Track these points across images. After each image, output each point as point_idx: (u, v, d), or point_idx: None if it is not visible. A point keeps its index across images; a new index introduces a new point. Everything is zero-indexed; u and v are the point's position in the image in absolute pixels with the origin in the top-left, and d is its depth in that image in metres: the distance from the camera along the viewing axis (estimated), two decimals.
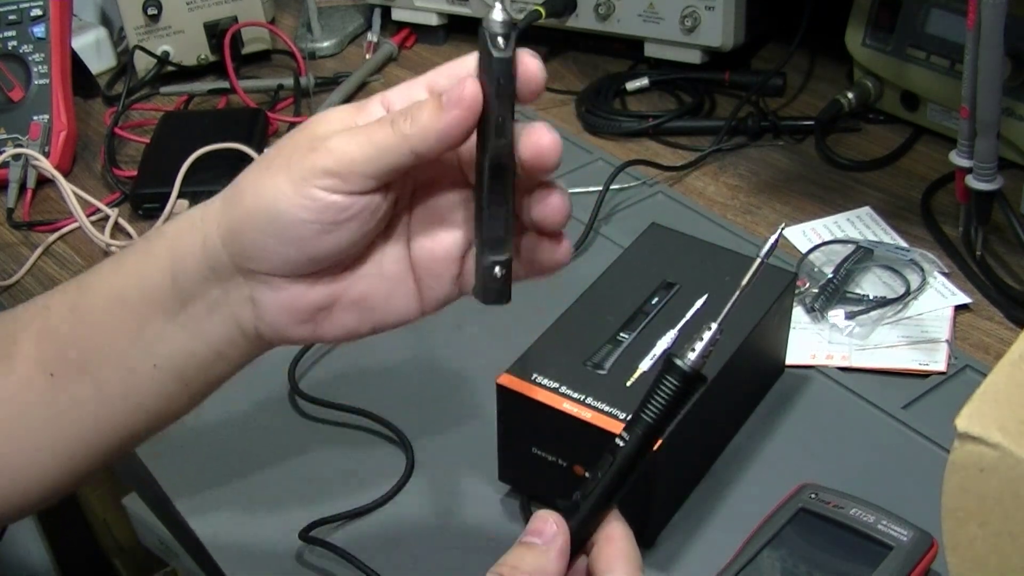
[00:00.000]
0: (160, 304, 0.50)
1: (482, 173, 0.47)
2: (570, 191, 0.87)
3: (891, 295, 0.74)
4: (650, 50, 1.03)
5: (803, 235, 0.82)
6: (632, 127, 0.96)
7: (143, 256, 0.51)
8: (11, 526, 1.14)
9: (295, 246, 0.47)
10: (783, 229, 0.45)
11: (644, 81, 1.02)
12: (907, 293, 0.74)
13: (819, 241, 0.80)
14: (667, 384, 0.45)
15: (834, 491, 0.58)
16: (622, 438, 0.46)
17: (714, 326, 0.44)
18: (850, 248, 0.78)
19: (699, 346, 0.44)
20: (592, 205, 0.84)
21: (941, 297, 0.75)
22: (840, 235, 0.81)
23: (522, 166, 0.46)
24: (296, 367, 0.71)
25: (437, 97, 0.45)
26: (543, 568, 0.46)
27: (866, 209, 0.85)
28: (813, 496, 0.57)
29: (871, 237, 0.81)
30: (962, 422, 0.38)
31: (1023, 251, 0.78)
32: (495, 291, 0.49)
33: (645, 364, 0.59)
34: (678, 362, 0.44)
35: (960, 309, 0.74)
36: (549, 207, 0.48)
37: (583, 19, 1.03)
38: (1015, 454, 0.36)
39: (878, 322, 0.72)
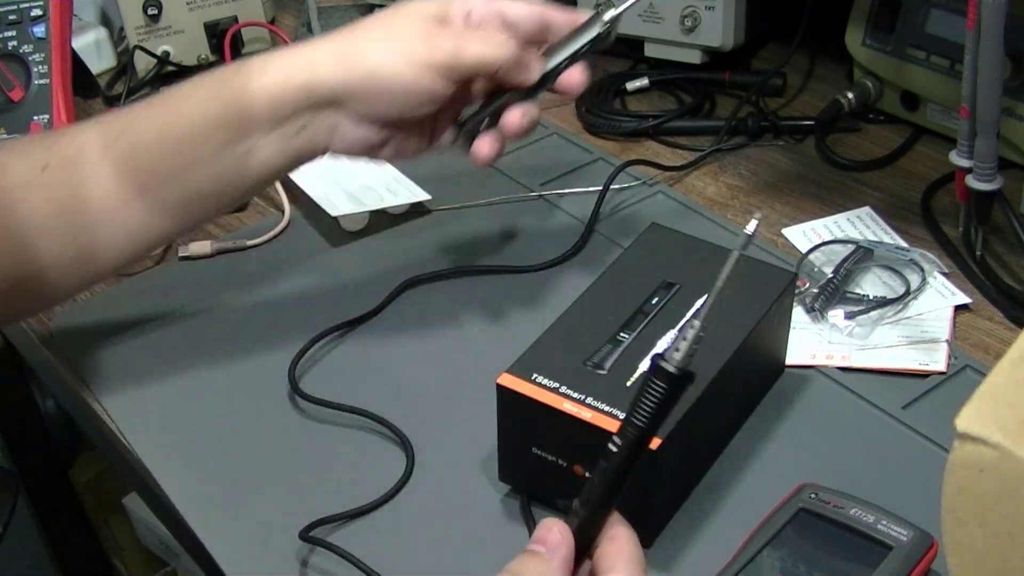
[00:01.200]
0: (258, 124, 0.62)
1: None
2: (570, 191, 0.87)
3: (891, 295, 0.74)
4: (650, 50, 1.03)
5: (803, 235, 0.82)
6: (632, 127, 0.96)
7: (241, 88, 0.62)
8: (11, 526, 1.14)
9: (397, 109, 0.63)
10: (759, 220, 0.45)
11: (644, 81, 1.02)
12: (907, 293, 0.74)
13: (819, 241, 0.80)
14: (655, 386, 0.45)
15: (834, 491, 0.58)
16: (615, 443, 0.46)
17: (697, 323, 0.44)
18: (850, 248, 0.78)
19: (683, 345, 0.44)
20: (592, 205, 0.84)
21: (941, 297, 0.75)
22: (840, 235, 0.81)
23: None
24: (296, 367, 0.71)
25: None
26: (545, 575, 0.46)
27: (866, 209, 0.85)
28: (813, 496, 0.57)
29: (871, 237, 0.81)
30: (962, 422, 0.38)
31: (1023, 251, 0.78)
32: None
33: (645, 364, 0.59)
34: (664, 364, 0.44)
35: (960, 309, 0.74)
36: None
37: None
38: (1015, 454, 0.36)
39: (878, 322, 0.72)
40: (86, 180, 0.62)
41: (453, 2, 0.65)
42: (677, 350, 0.44)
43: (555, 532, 0.46)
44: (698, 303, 0.63)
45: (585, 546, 0.46)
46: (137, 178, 0.63)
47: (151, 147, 0.63)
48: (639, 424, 0.45)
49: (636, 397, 0.45)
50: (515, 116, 0.65)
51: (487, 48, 0.62)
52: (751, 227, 0.45)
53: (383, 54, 0.62)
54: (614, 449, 0.46)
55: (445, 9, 0.65)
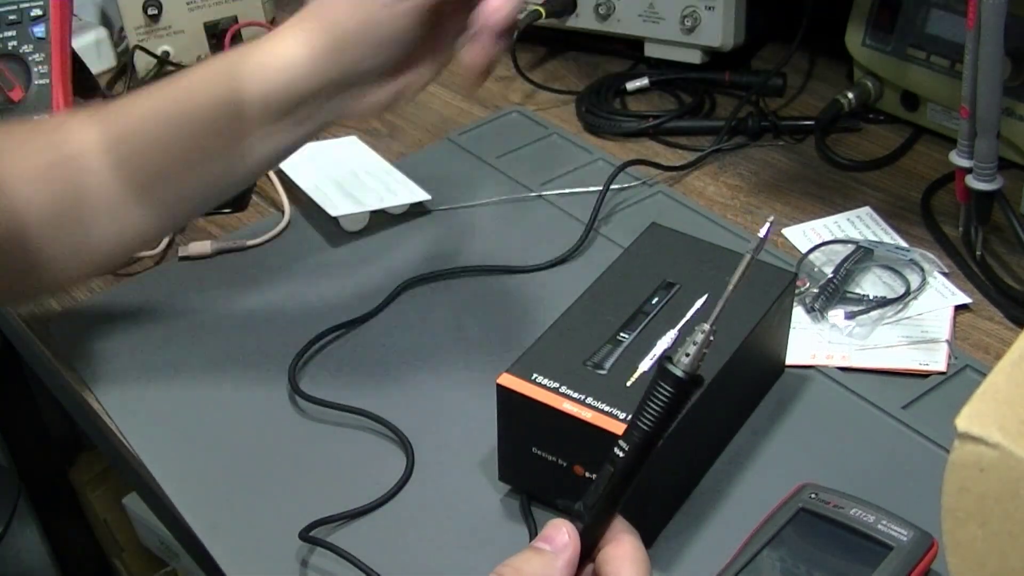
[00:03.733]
0: (257, 122, 0.62)
1: None
2: (570, 191, 0.87)
3: (891, 295, 0.74)
4: (650, 50, 1.03)
5: (803, 235, 0.82)
6: (632, 127, 0.96)
7: (255, 70, 0.62)
8: (11, 526, 1.14)
9: (391, 55, 0.61)
10: (771, 223, 0.45)
11: (644, 81, 1.02)
12: (907, 293, 0.74)
13: (819, 241, 0.80)
14: (663, 390, 0.44)
15: (834, 491, 0.58)
16: (621, 447, 0.45)
17: (707, 327, 0.44)
18: (850, 248, 0.78)
19: (693, 350, 0.44)
20: (592, 205, 0.84)
21: (941, 297, 0.75)
22: (840, 235, 0.81)
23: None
24: (296, 367, 0.71)
25: None
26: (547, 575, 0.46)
27: (866, 209, 0.85)
28: (813, 496, 0.57)
29: (871, 237, 0.81)
30: (962, 422, 0.38)
31: (1023, 251, 0.78)
32: None
33: (645, 364, 0.59)
34: (672, 368, 0.44)
35: (960, 309, 0.74)
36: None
37: (583, 19, 1.03)
38: (1015, 454, 0.36)
39: (878, 322, 0.72)
40: (87, 179, 0.62)
41: None
42: (687, 355, 0.44)
43: (563, 532, 0.46)
44: (698, 303, 0.63)
45: (587, 549, 0.46)
46: (137, 178, 0.63)
47: (152, 147, 0.63)
48: (645, 428, 0.45)
49: (643, 400, 0.45)
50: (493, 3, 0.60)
51: None
52: (764, 230, 0.44)
53: (348, 8, 0.61)
54: (620, 453, 0.45)
55: None
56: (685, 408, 0.45)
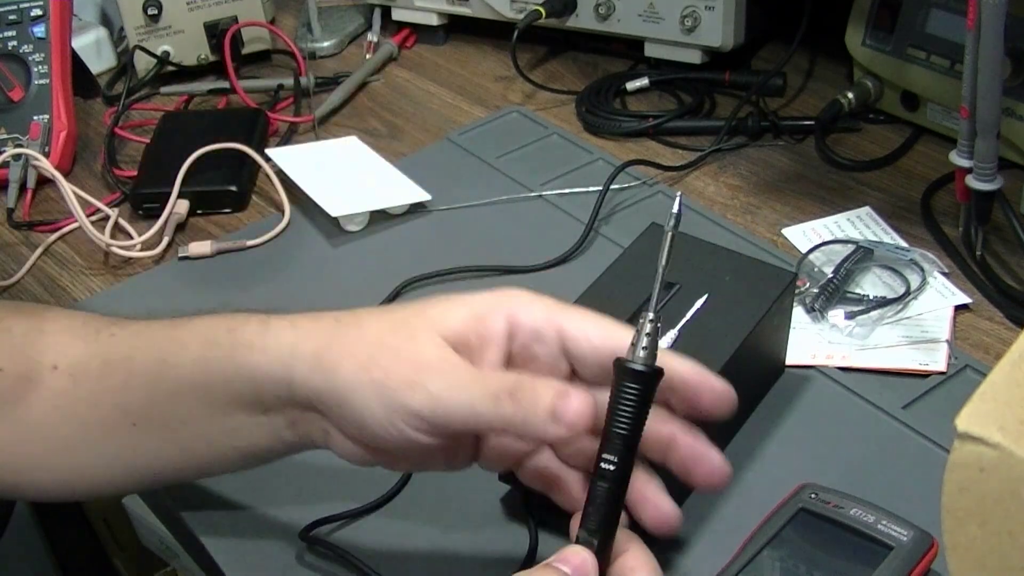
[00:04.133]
0: (243, 405, 0.52)
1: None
2: (570, 191, 0.86)
3: (891, 295, 0.74)
4: (650, 50, 1.03)
5: (803, 235, 0.82)
6: (632, 127, 0.96)
7: (227, 360, 0.52)
8: (11, 526, 1.14)
9: (371, 451, 0.50)
10: (680, 196, 0.46)
11: (644, 81, 1.02)
12: (907, 293, 0.74)
13: (819, 241, 0.80)
14: (629, 390, 0.44)
15: (834, 491, 0.58)
16: (607, 460, 0.45)
17: (651, 315, 0.44)
18: (850, 248, 0.78)
19: (646, 342, 0.44)
20: (592, 205, 0.84)
21: (941, 297, 0.75)
22: (840, 235, 0.81)
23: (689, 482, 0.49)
24: None
25: (551, 405, 0.45)
26: None
27: (866, 209, 0.85)
28: (813, 496, 0.57)
29: (871, 237, 0.81)
30: (962, 422, 0.38)
31: (1023, 251, 0.78)
32: None
33: None
34: (632, 365, 0.44)
35: (960, 309, 0.74)
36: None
37: (583, 19, 1.03)
38: (1015, 454, 0.36)
39: (878, 322, 0.72)
40: (78, 401, 0.55)
41: (492, 312, 0.49)
42: (644, 348, 0.44)
43: (583, 556, 0.46)
44: (698, 303, 0.63)
45: (602, 570, 0.46)
46: (126, 419, 0.55)
47: (143, 394, 0.55)
48: (624, 432, 0.45)
49: (613, 407, 0.45)
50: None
51: (475, 396, 0.46)
52: (675, 205, 0.45)
53: (354, 374, 0.48)
54: (610, 467, 0.45)
55: (474, 325, 0.48)
56: (652, 402, 0.45)
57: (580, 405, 0.44)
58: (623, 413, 0.44)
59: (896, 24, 0.89)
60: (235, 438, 0.54)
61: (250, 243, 0.85)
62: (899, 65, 0.90)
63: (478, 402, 0.46)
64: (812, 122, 0.94)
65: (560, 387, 0.45)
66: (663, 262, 0.44)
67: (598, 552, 0.46)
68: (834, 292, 0.74)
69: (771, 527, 0.56)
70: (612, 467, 0.45)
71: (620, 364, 0.44)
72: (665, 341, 0.61)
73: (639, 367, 0.44)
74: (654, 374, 0.44)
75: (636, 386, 0.44)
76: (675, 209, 0.45)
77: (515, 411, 0.45)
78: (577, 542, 0.47)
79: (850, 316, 0.72)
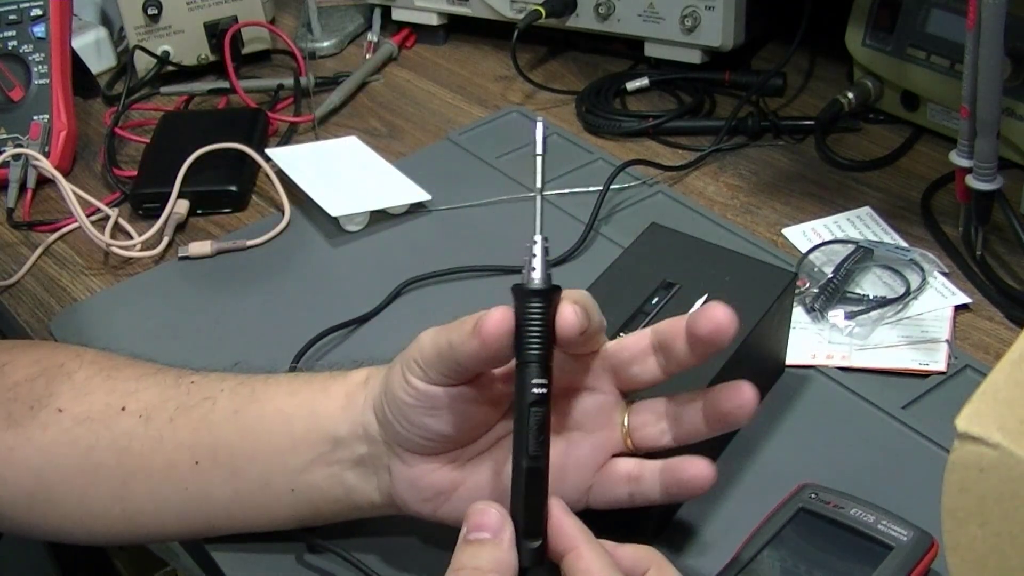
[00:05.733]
0: (320, 440, 0.54)
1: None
2: (570, 191, 0.86)
3: (891, 295, 0.74)
4: (650, 50, 1.03)
5: (803, 235, 0.82)
6: (632, 127, 0.96)
7: (320, 391, 0.55)
8: None
9: (405, 425, 0.51)
10: (542, 121, 0.48)
11: (644, 81, 1.02)
12: (907, 293, 0.74)
13: (819, 241, 0.80)
14: (532, 309, 0.45)
15: (834, 491, 0.58)
16: (538, 384, 0.45)
17: (537, 238, 0.46)
18: (850, 248, 0.78)
19: (537, 262, 0.46)
20: (592, 205, 0.84)
21: (941, 297, 0.75)
22: (840, 235, 0.81)
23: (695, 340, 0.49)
24: (296, 367, 0.71)
25: (475, 319, 0.47)
26: (501, 560, 0.45)
27: (866, 209, 0.85)
28: (813, 496, 0.57)
29: (871, 237, 0.81)
30: (962, 422, 0.38)
31: (1023, 251, 0.78)
32: None
33: None
34: (529, 286, 0.46)
35: (960, 309, 0.74)
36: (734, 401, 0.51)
37: (583, 19, 1.03)
38: (1015, 454, 0.36)
39: (878, 322, 0.72)
40: (154, 447, 0.56)
41: None
42: (534, 269, 0.46)
43: (493, 513, 0.45)
44: (698, 303, 0.63)
45: (536, 510, 0.46)
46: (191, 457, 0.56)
47: (231, 440, 0.56)
48: (537, 352, 0.45)
49: (519, 332, 0.46)
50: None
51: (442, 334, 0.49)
52: (539, 130, 0.47)
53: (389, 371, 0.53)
54: (542, 390, 0.45)
55: None
56: (553, 320, 0.46)
57: (497, 314, 0.46)
58: (531, 333, 0.46)
59: (896, 24, 0.89)
60: (297, 480, 0.55)
61: (250, 243, 0.85)
62: (899, 65, 0.90)
63: (443, 338, 0.49)
64: (812, 122, 0.94)
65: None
66: (538, 180, 0.47)
67: (524, 493, 0.46)
68: (834, 292, 0.74)
69: (771, 527, 0.56)
70: (545, 389, 0.46)
71: (517, 288, 0.46)
72: None
73: (537, 285, 0.46)
74: (552, 290, 0.46)
75: (540, 304, 0.46)
76: (539, 133, 0.47)
77: (456, 339, 0.48)
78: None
79: (850, 316, 0.72)
